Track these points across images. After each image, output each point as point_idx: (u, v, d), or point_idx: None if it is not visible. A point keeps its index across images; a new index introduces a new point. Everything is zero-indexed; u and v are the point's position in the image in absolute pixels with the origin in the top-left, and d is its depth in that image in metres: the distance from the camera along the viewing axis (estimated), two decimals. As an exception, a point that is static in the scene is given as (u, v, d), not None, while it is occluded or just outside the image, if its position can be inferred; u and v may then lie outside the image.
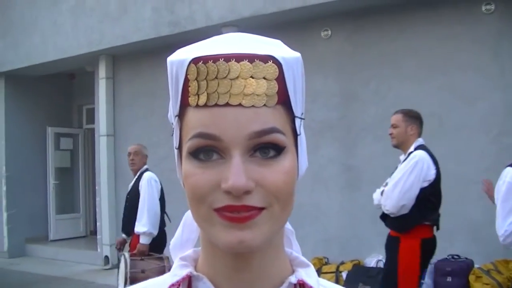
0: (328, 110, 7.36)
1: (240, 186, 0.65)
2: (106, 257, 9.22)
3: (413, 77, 6.81)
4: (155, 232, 5.43)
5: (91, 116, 10.92)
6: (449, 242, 6.26)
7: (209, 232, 0.70)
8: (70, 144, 11.85)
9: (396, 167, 4.55)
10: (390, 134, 4.59)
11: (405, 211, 4.33)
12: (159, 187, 5.69)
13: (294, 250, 0.83)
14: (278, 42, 0.74)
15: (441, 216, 6.45)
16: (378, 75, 7.06)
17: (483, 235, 5.97)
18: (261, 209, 0.67)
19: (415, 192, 4.29)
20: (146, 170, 5.69)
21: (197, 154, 0.68)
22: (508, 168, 3.55)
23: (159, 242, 5.51)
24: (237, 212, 0.66)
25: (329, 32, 7.45)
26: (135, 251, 5.35)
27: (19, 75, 10.85)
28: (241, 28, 7.63)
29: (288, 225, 0.84)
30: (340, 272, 6.73)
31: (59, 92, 11.86)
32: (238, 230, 0.66)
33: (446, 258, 6.28)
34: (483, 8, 6.39)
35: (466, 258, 6.10)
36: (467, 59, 6.48)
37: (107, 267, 9.17)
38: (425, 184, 4.35)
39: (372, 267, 6.60)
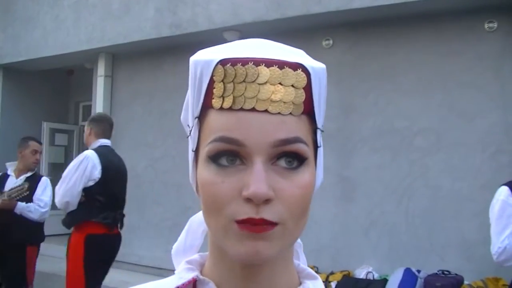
0: (326, 120, 7.23)
1: (261, 194, 0.63)
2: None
3: (413, 92, 6.81)
4: None
5: (88, 113, 10.87)
6: (440, 257, 6.25)
7: (223, 241, 0.68)
8: (65, 140, 11.81)
9: None
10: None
11: (72, 207, 4.52)
12: None
13: (301, 262, 0.83)
14: (302, 52, 0.74)
15: (433, 232, 6.46)
16: (377, 87, 7.05)
17: (476, 252, 5.97)
18: (275, 224, 0.66)
19: (78, 189, 4.46)
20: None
21: (216, 158, 0.66)
22: (502, 187, 3.53)
23: None
24: (255, 224, 0.65)
25: (331, 42, 7.45)
26: None
27: (17, 68, 10.82)
28: (243, 34, 7.63)
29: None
30: (330, 282, 6.70)
31: (57, 87, 11.83)
32: (253, 241, 0.65)
33: (436, 273, 6.27)
34: (486, 26, 6.39)
35: (456, 274, 6.08)
36: (467, 76, 6.48)
37: (96, 265, 9.12)
38: (91, 183, 4.51)
39: (361, 279, 6.57)
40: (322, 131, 0.74)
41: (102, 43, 9.07)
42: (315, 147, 0.73)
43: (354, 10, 6.70)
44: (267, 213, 0.64)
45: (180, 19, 8.11)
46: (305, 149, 0.67)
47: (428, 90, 6.71)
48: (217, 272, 0.75)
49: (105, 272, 4.93)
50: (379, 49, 7.07)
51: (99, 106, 9.60)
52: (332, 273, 6.80)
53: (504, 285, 5.95)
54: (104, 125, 4.94)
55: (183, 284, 0.76)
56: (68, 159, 11.74)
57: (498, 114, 6.30)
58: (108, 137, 4.94)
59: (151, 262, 8.59)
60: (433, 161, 6.53)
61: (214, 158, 0.66)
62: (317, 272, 6.94)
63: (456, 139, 6.52)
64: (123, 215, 4.92)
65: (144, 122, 9.13)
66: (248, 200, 0.64)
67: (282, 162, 0.66)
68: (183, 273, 0.78)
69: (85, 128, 4.91)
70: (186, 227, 0.85)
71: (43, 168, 11.20)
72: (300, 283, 0.78)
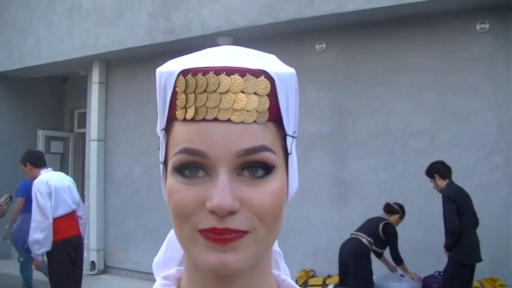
0: (320, 123, 7.37)
1: (225, 206, 0.61)
2: (93, 262, 9.16)
3: (406, 93, 6.84)
4: None
5: (83, 121, 10.87)
6: (436, 259, 6.26)
7: (191, 252, 0.67)
8: (60, 148, 11.78)
9: None
10: None
11: None
12: None
13: (282, 273, 0.81)
14: (272, 57, 0.71)
15: (429, 233, 6.48)
16: (371, 89, 7.08)
17: (471, 253, 5.96)
18: (244, 232, 0.64)
19: None
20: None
21: (182, 170, 0.65)
22: None
23: None
24: (220, 234, 0.63)
25: (324, 45, 7.47)
26: None
27: (11, 76, 10.80)
28: (236, 38, 7.64)
29: (276, 247, 0.81)
30: (327, 285, 6.70)
31: (52, 95, 11.82)
32: (220, 252, 0.63)
33: (433, 275, 6.28)
34: (477, 27, 6.43)
35: (453, 276, 6.08)
36: (460, 77, 6.51)
37: (93, 272, 9.11)
38: None
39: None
40: (294, 137, 0.71)
41: (96, 50, 9.08)
42: (286, 154, 0.70)
43: (346, 14, 6.72)
44: (233, 223, 0.63)
45: (173, 24, 8.12)
46: (272, 157, 0.65)
47: (421, 91, 6.75)
48: (193, 286, 0.73)
49: None
50: (372, 51, 7.10)
51: (94, 113, 9.60)
52: (329, 276, 6.80)
53: (501, 285, 5.97)
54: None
55: None
56: (64, 167, 11.74)
57: (491, 114, 6.34)
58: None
59: (148, 268, 8.57)
60: (427, 162, 6.53)
61: (179, 169, 0.65)
62: (314, 275, 6.99)
63: (450, 140, 6.55)
64: None
65: (138, 128, 9.13)
66: (212, 212, 0.62)
67: (246, 172, 0.64)
68: None
69: None
70: (166, 239, 0.83)
71: (39, 176, 11.16)
72: None
